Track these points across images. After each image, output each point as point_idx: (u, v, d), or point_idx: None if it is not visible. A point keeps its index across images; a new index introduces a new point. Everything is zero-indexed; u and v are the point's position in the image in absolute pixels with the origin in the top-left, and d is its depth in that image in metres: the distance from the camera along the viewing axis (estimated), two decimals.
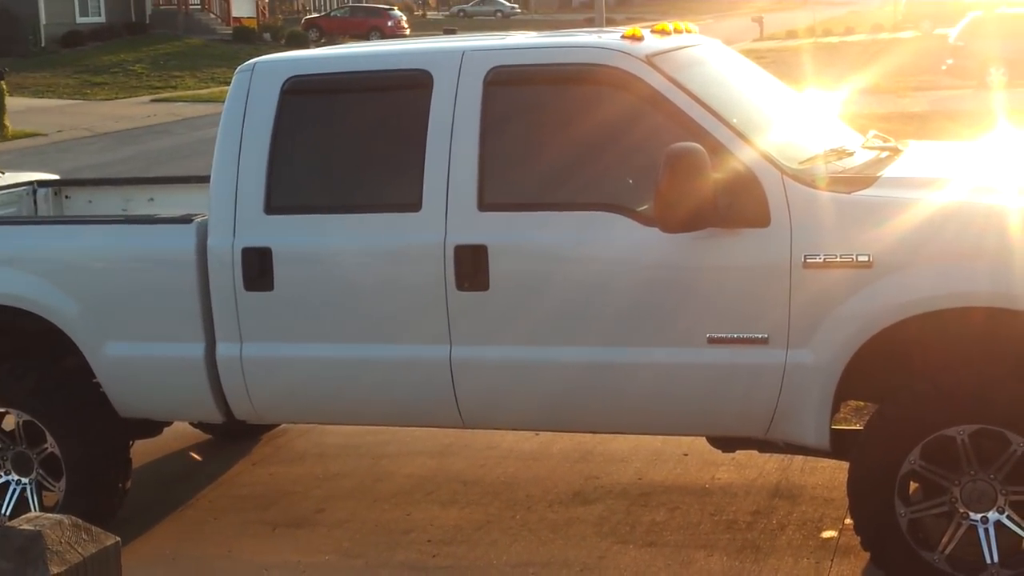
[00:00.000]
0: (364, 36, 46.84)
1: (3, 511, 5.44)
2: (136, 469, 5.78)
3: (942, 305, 4.30)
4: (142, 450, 6.21)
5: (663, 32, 5.21)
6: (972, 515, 4.35)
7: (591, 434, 6.05)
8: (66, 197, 6.94)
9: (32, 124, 26.91)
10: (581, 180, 4.82)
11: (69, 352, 5.36)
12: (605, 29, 5.44)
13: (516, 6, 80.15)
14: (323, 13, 59.79)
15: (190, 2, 51.18)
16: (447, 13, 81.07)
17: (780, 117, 5.30)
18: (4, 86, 26.13)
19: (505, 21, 71.84)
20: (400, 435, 6.65)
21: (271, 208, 5.03)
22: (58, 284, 5.27)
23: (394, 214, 4.93)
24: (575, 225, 4.72)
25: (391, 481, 6.18)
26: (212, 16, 51.60)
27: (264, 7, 57.42)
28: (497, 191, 4.81)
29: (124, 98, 34.28)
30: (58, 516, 4.33)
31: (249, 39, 47.18)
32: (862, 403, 5.81)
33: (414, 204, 4.85)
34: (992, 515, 4.33)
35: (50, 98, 34.11)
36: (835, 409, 4.59)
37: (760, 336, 4.51)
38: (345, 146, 5.19)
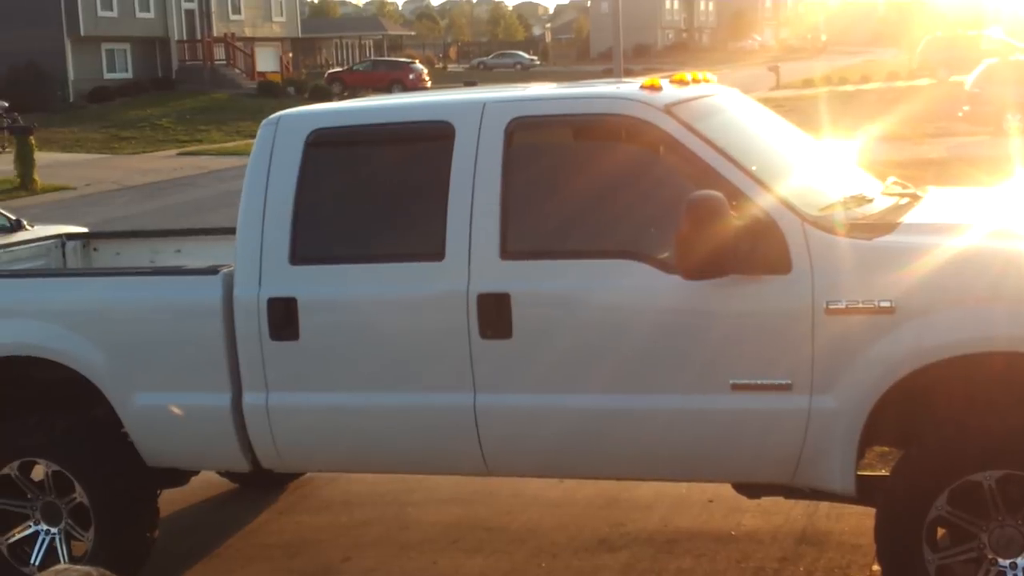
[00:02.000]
0: (386, 89, 47.30)
1: (33, 562, 5.47)
2: (164, 518, 5.80)
3: (964, 350, 4.30)
4: (170, 498, 6.24)
5: (682, 82, 5.26)
6: (1001, 561, 4.32)
7: (616, 481, 6.05)
8: (94, 250, 7.03)
9: (61, 178, 27.20)
10: (602, 228, 4.86)
11: (97, 402, 5.40)
12: (624, 80, 5.51)
13: (536, 58, 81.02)
14: (345, 67, 60.50)
15: (215, 57, 51.86)
16: (467, 66, 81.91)
17: (799, 164, 5.33)
18: (33, 141, 26.47)
19: (525, 73, 72.51)
20: (425, 482, 6.65)
21: (296, 258, 5.09)
22: (87, 335, 5.32)
23: (418, 263, 4.97)
24: (597, 273, 4.75)
25: (417, 529, 6.19)
26: (237, 71, 52.22)
27: (288, 62, 58.12)
28: (519, 240, 4.85)
29: (151, 152, 34.65)
30: (87, 568, 4.38)
31: (273, 93, 47.73)
32: (887, 448, 5.79)
33: (437, 253, 4.90)
34: (1021, 561, 4.30)
35: (78, 152, 34.53)
36: (860, 455, 4.58)
37: (783, 382, 4.52)
38: (369, 197, 5.25)
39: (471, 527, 6.13)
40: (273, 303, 5.07)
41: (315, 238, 5.15)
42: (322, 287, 5.08)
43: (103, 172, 29.20)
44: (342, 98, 44.09)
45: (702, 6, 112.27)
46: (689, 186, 4.53)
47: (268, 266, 5.11)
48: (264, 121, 5.34)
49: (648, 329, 4.70)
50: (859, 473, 4.56)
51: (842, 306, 4.40)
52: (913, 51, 50.50)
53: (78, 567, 4.50)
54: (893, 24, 72.97)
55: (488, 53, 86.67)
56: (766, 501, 5.66)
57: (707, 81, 5.50)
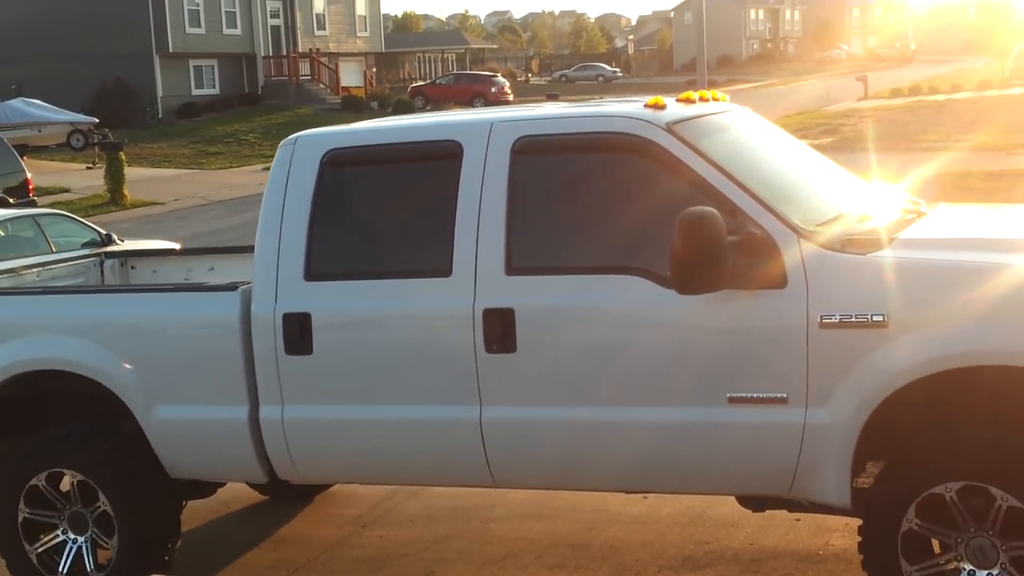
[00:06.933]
0: (468, 103, 47.50)
1: (61, 570, 5.69)
2: (253, 530, 5.86)
3: (955, 364, 4.31)
4: (253, 512, 6.30)
5: (688, 100, 5.35)
6: (979, 572, 4.34)
7: (700, 496, 6.01)
8: (132, 267, 7.29)
9: (150, 193, 27.82)
10: (605, 244, 4.92)
11: (123, 415, 5.59)
12: (631, 99, 5.57)
13: (618, 70, 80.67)
14: (428, 81, 60.89)
15: (301, 73, 52.57)
16: (549, 78, 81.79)
17: (803, 181, 5.37)
18: (123, 156, 27.23)
19: (606, 85, 72.29)
20: (508, 497, 6.63)
21: (311, 275, 5.24)
22: (113, 350, 5.53)
23: (426, 279, 5.10)
24: (599, 288, 4.83)
25: (500, 544, 6.18)
26: (322, 86, 52.91)
27: (371, 76, 58.75)
28: (524, 256, 4.95)
29: (237, 167, 35.15)
30: None
31: (357, 108, 48.16)
32: None
33: (445, 269, 5.02)
34: (997, 571, 4.32)
35: (167, 168, 35.26)
36: (859, 468, 4.60)
37: (779, 395, 4.57)
38: (381, 215, 5.39)
39: (554, 543, 6.09)
40: (288, 318, 5.23)
41: (329, 255, 5.30)
42: (335, 303, 5.22)
43: (191, 187, 29.74)
44: (425, 111, 44.53)
45: (787, 15, 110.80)
46: (689, 202, 4.58)
47: (284, 282, 5.27)
48: (282, 141, 5.53)
49: (648, 343, 4.78)
50: (856, 487, 4.57)
51: (835, 320, 4.43)
52: (1005, 59, 49.44)
53: None
54: (984, 32, 71.00)
55: (570, 65, 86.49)
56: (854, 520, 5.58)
57: (717, 99, 5.57)
